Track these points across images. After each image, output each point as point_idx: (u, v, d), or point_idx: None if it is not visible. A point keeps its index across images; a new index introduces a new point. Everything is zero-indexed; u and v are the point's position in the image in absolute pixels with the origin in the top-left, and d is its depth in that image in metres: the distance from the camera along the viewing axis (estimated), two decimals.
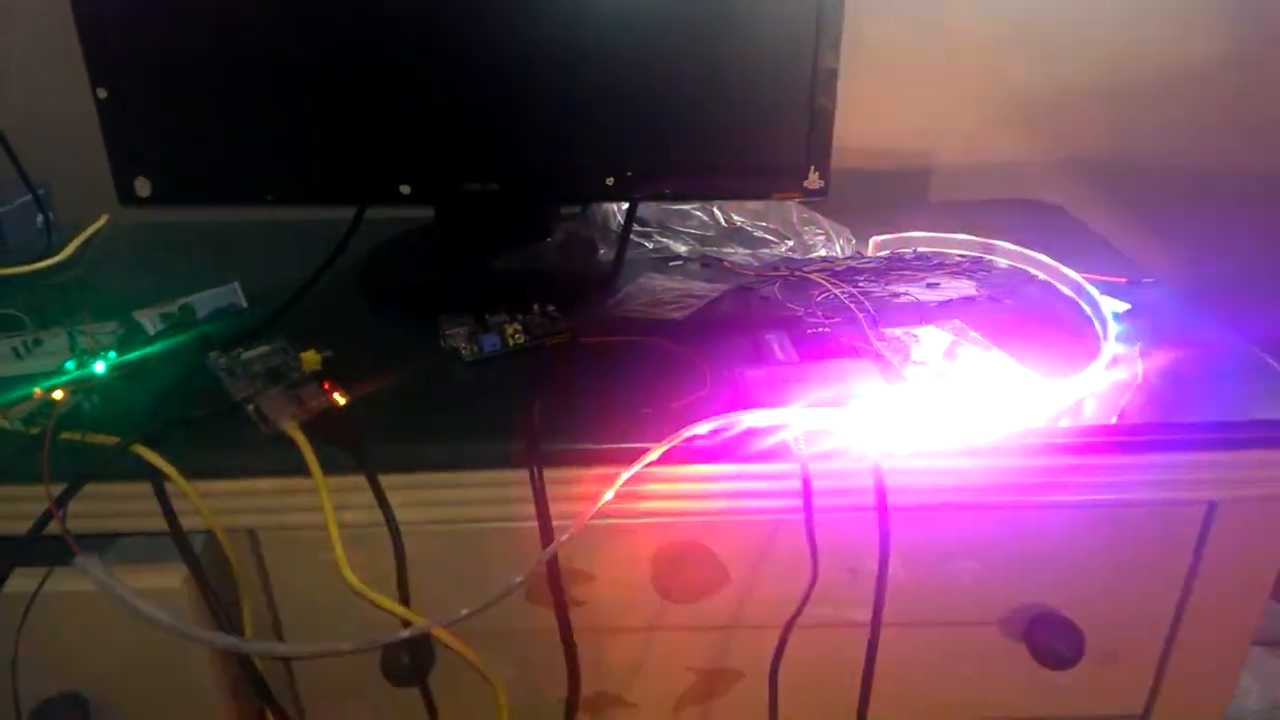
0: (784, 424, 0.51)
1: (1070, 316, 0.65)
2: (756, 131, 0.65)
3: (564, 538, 0.48)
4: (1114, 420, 0.53)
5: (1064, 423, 0.53)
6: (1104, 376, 0.56)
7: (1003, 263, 0.73)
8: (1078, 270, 0.68)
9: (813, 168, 0.65)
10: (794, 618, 0.53)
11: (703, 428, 0.50)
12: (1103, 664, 0.60)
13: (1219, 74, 0.89)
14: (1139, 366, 0.57)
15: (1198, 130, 0.92)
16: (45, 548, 0.50)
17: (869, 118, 0.88)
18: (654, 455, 0.49)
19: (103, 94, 0.64)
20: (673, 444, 0.49)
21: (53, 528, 0.49)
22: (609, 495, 0.49)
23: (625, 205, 0.74)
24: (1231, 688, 0.64)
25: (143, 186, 0.67)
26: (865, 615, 0.57)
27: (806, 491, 0.50)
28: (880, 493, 0.50)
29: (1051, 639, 0.58)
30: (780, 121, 0.64)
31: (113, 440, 0.51)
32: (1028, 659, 0.59)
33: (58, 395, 0.54)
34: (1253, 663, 0.83)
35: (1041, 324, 0.64)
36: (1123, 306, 0.65)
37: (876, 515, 0.51)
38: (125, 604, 0.48)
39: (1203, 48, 0.88)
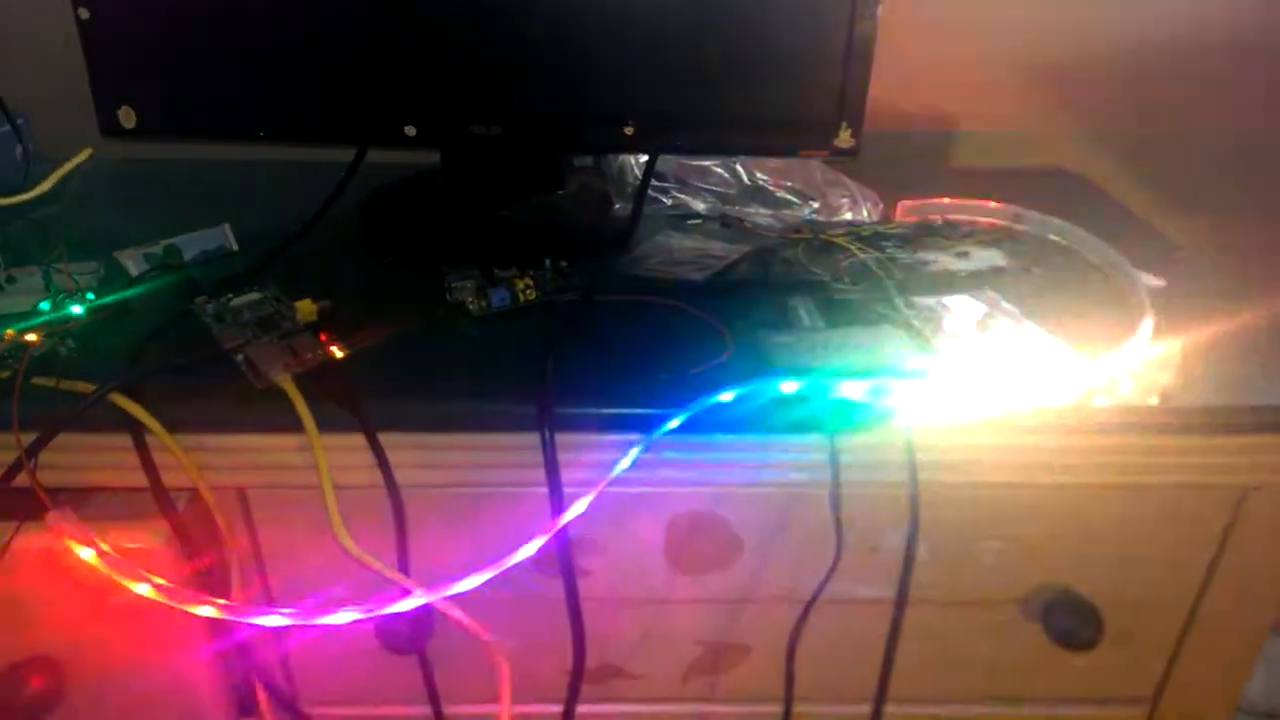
0: (812, 393, 0.48)
1: (1104, 290, 0.63)
2: (787, 83, 0.61)
3: (579, 508, 0.45)
4: (1152, 401, 0.51)
5: (1099, 401, 0.51)
6: (1140, 354, 0.53)
7: (1033, 233, 0.70)
8: (1110, 242, 0.66)
9: (844, 124, 0.62)
10: (816, 594, 0.50)
11: (727, 395, 0.47)
12: (1118, 646, 0.59)
13: (1251, 44, 0.87)
14: (1176, 344, 0.55)
15: (1228, 101, 0.89)
16: (15, 501, 0.47)
17: (895, 78, 0.84)
18: (675, 423, 0.46)
19: (84, 14, 0.60)
20: (695, 411, 0.46)
21: (22, 479, 0.46)
22: (626, 464, 0.46)
23: (643, 158, 0.71)
24: (1245, 675, 0.63)
25: (127, 117, 0.63)
26: (881, 592, 0.55)
27: (835, 465, 0.48)
28: (912, 468, 0.48)
29: (1070, 620, 0.56)
30: (813, 73, 0.61)
31: (89, 387, 0.47)
32: (1043, 639, 0.57)
33: (31, 337, 0.51)
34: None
35: (1074, 297, 0.61)
36: (1158, 281, 0.62)
37: (908, 490, 0.48)
38: (102, 564, 0.45)
39: (1234, 16, 0.86)
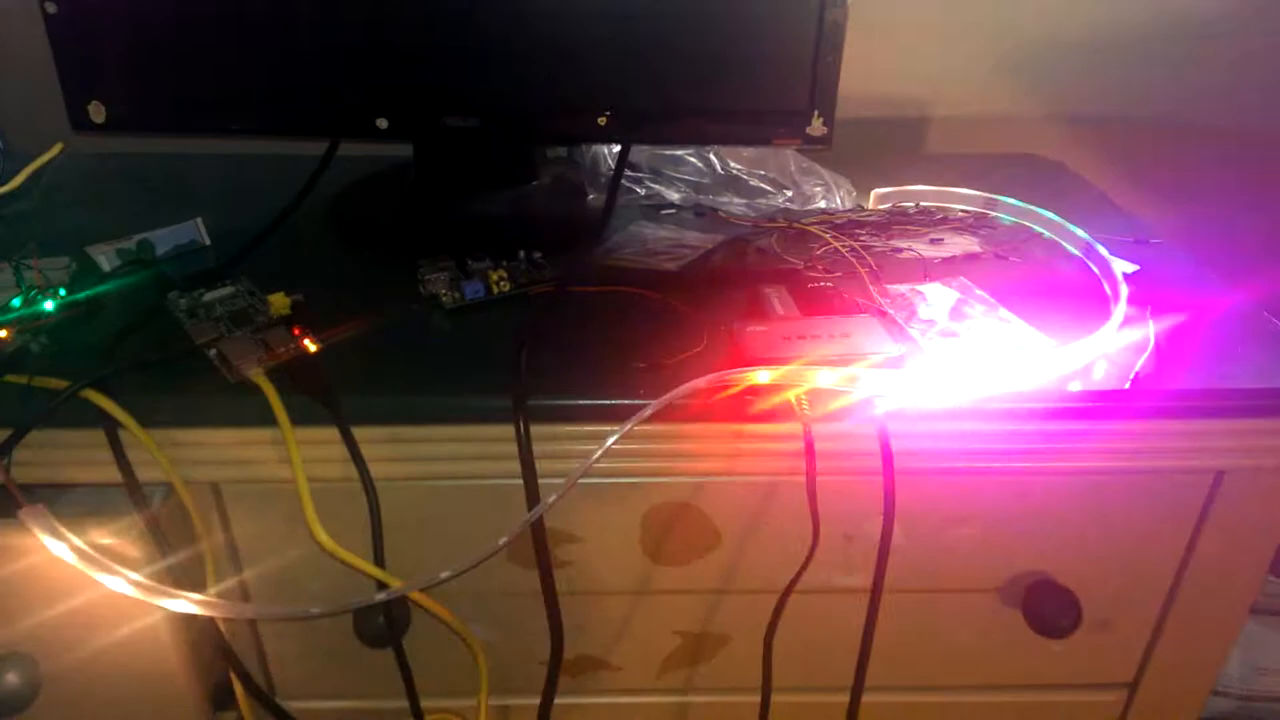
0: (786, 383, 0.48)
1: (1078, 276, 0.63)
2: (759, 72, 0.61)
3: (552, 499, 0.45)
4: (1125, 385, 0.51)
5: (1073, 386, 0.51)
6: (1114, 339, 0.54)
7: (1007, 220, 0.70)
8: (1083, 228, 0.66)
9: (816, 113, 0.62)
10: (792, 583, 0.50)
11: (701, 384, 0.47)
12: (1097, 632, 0.59)
13: (1225, 29, 0.87)
14: (1149, 330, 0.55)
15: (1202, 86, 0.89)
16: None
17: (867, 66, 0.84)
18: (649, 412, 0.46)
19: (51, 9, 0.59)
20: (669, 401, 0.46)
21: None
22: (598, 454, 0.46)
23: (616, 148, 0.71)
24: (1222, 657, 0.64)
25: (97, 112, 0.62)
26: (858, 581, 0.55)
27: (809, 454, 0.48)
28: (886, 456, 0.48)
29: (1049, 607, 0.56)
30: (785, 62, 0.61)
31: (61, 384, 0.47)
32: (1023, 626, 0.57)
33: (2, 334, 0.51)
34: None
35: (1048, 284, 0.62)
36: (1131, 267, 0.62)
37: (881, 478, 0.48)
38: (76, 561, 0.44)
39: (1209, 2, 0.86)
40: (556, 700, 0.53)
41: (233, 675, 0.51)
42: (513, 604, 0.55)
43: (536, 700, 0.54)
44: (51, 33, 0.60)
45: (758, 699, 0.57)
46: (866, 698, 0.54)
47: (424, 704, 0.54)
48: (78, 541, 0.45)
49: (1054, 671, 0.62)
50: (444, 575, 0.45)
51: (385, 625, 0.52)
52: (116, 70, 0.62)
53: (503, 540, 0.45)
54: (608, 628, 0.58)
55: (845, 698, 0.55)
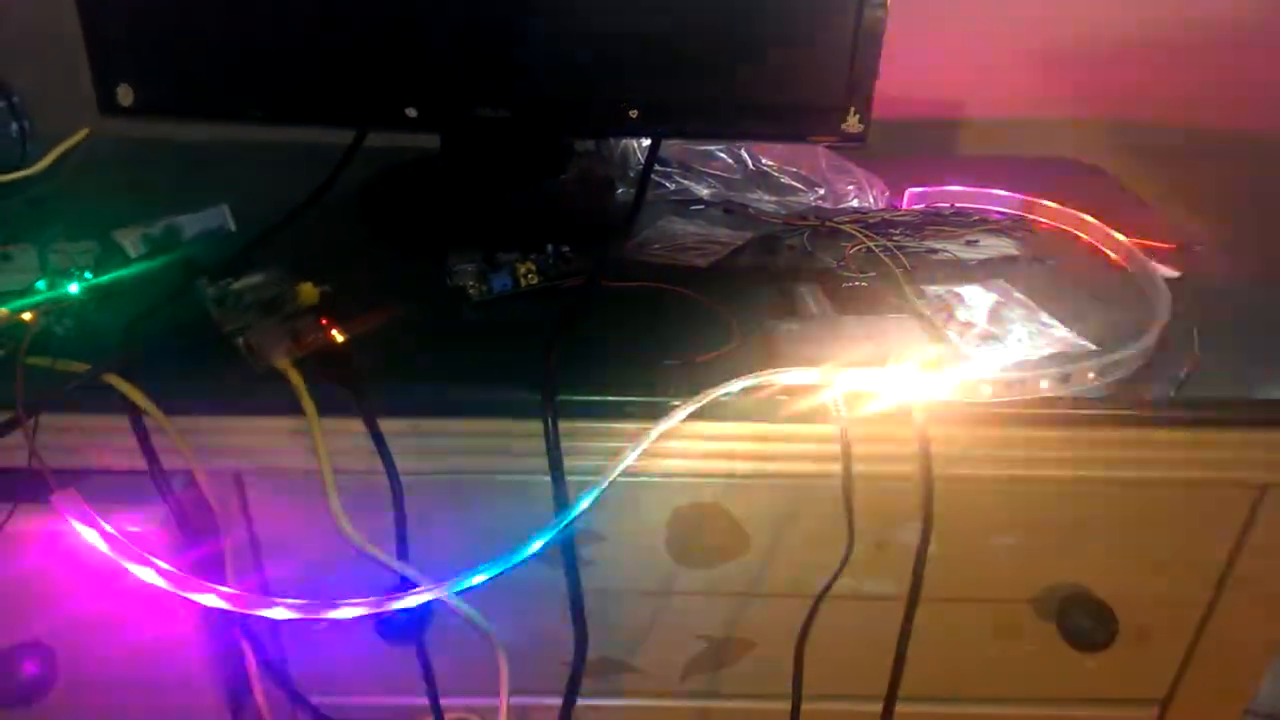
0: (822, 383, 0.47)
1: (1118, 283, 0.61)
2: (794, 66, 0.60)
3: (587, 501, 0.44)
4: (1169, 395, 0.50)
5: (1115, 395, 0.49)
6: (1156, 347, 0.52)
7: (1045, 222, 0.69)
8: (1123, 234, 0.64)
9: (853, 109, 0.60)
10: (826, 589, 0.49)
11: (736, 385, 0.45)
12: (1131, 647, 0.58)
13: (1269, 33, 0.85)
14: (1193, 338, 0.54)
15: (1245, 91, 0.88)
16: (8, 482, 0.46)
17: (903, 63, 0.83)
18: (684, 414, 0.45)
19: None
20: (705, 402, 0.45)
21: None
22: (634, 455, 0.45)
23: (646, 142, 0.69)
24: (1258, 678, 0.62)
25: (125, 95, 0.62)
26: (889, 589, 0.54)
27: (846, 456, 0.46)
28: (925, 460, 0.47)
29: (1084, 620, 0.55)
30: (821, 56, 0.59)
31: (85, 368, 0.46)
32: (1056, 639, 0.56)
33: (26, 316, 0.50)
34: None
35: (1088, 289, 0.60)
36: (1173, 274, 0.61)
37: (915, 484, 0.47)
38: (109, 549, 0.44)
39: (1251, 3, 0.84)
40: (579, 701, 0.52)
41: (250, 665, 0.50)
42: (534, 602, 0.54)
43: (558, 701, 0.53)
44: (83, 14, 0.60)
45: (780, 705, 0.56)
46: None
47: (444, 701, 0.53)
48: (111, 529, 0.44)
49: (1086, 685, 0.60)
50: (474, 578, 0.44)
51: (407, 623, 0.51)
52: (145, 53, 0.61)
53: (540, 543, 0.44)
54: (631, 629, 0.58)
55: (867, 706, 0.54)
